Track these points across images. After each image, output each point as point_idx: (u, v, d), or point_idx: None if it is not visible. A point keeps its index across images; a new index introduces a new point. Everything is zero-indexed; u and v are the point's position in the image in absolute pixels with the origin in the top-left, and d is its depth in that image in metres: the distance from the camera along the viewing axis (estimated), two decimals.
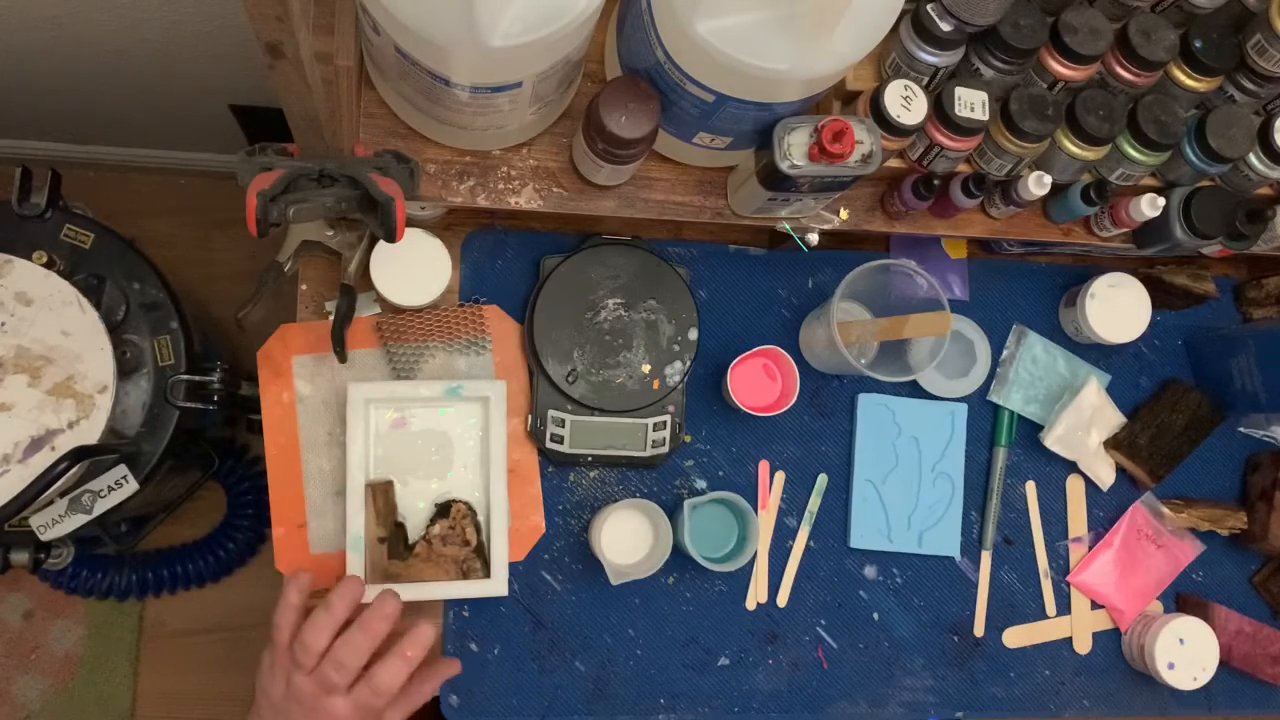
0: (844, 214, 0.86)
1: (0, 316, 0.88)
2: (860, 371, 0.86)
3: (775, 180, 0.73)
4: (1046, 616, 0.99)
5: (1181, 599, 1.01)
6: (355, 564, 0.82)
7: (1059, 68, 0.74)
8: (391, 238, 0.71)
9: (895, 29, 0.71)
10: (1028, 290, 1.02)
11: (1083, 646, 0.99)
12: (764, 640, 0.94)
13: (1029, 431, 1.00)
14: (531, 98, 0.70)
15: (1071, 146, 0.78)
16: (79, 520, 0.93)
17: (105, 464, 0.92)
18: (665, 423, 0.90)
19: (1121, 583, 0.99)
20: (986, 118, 0.74)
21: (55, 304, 0.89)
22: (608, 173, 0.77)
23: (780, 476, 0.96)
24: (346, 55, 0.66)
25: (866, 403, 0.97)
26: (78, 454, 0.85)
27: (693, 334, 0.91)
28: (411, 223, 0.86)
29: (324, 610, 0.71)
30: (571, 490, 0.92)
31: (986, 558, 0.98)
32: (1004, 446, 0.99)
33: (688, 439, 0.94)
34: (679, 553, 0.89)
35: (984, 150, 0.79)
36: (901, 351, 0.92)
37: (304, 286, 0.89)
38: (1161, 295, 1.00)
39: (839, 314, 0.86)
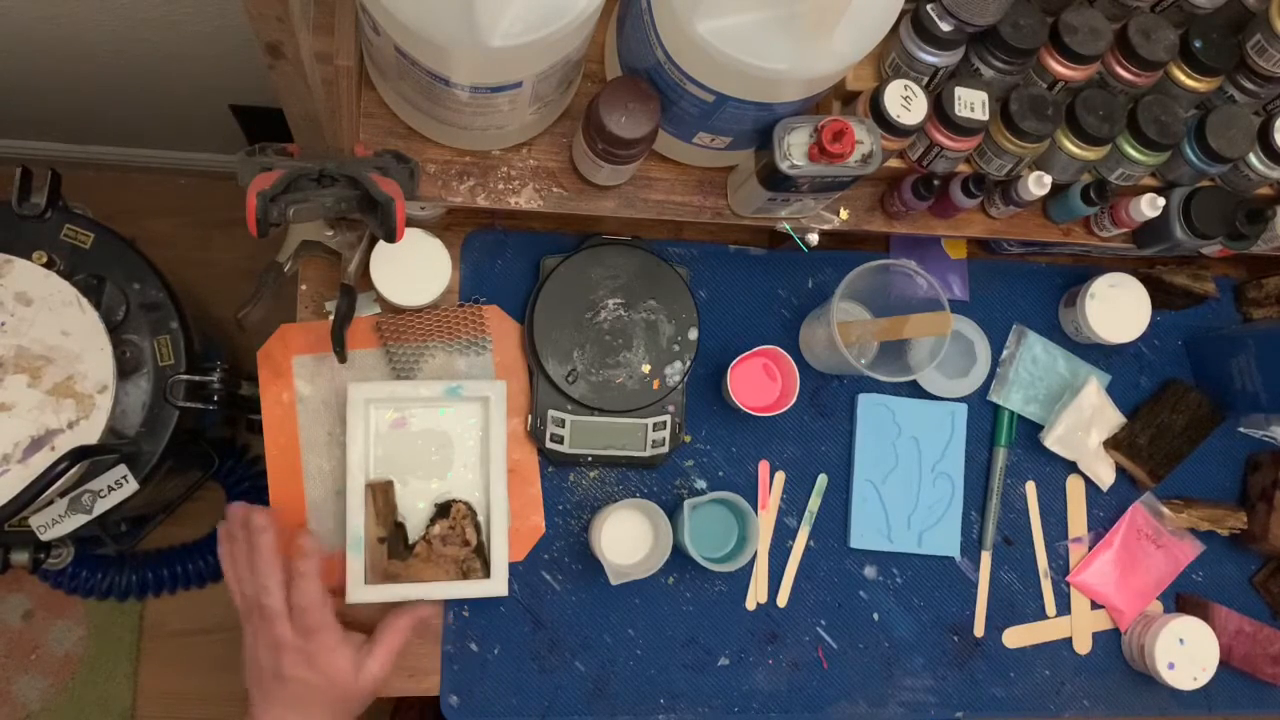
0: (844, 214, 0.86)
1: (0, 316, 0.88)
2: (860, 371, 0.86)
3: (775, 180, 0.73)
4: (1046, 616, 0.99)
5: (1181, 599, 1.01)
6: (355, 564, 0.82)
7: (1059, 68, 0.74)
8: (391, 238, 0.71)
9: (895, 29, 0.71)
10: (1028, 290, 1.02)
11: (1083, 646, 0.99)
12: (764, 640, 0.94)
13: (1029, 431, 1.00)
14: (531, 98, 0.70)
15: (1071, 146, 0.78)
16: (79, 520, 0.93)
17: (105, 464, 0.92)
18: (665, 423, 0.90)
19: (1121, 583, 0.99)
20: (986, 118, 0.74)
21: (55, 304, 0.90)
22: (608, 173, 0.77)
23: (780, 476, 0.96)
24: (346, 55, 0.66)
25: (866, 403, 0.97)
26: (78, 454, 0.85)
27: (693, 334, 0.91)
28: (411, 223, 0.86)
29: (229, 543, 0.78)
30: (571, 490, 0.92)
31: (986, 558, 0.98)
32: (1004, 446, 0.99)
33: (688, 439, 0.94)
34: (679, 553, 0.89)
35: (984, 150, 0.79)
36: (901, 351, 0.92)
37: (304, 286, 0.89)
38: (1161, 295, 1.00)
39: (839, 314, 0.86)
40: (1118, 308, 0.97)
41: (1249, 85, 0.78)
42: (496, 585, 0.84)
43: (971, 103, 0.73)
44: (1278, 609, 1.02)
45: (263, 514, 0.76)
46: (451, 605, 0.89)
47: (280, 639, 0.73)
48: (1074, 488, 1.01)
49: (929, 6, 0.69)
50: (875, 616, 0.96)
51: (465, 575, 0.85)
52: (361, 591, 0.82)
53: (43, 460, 0.87)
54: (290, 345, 0.87)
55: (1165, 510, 0.99)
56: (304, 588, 0.74)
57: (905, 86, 0.72)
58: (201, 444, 1.32)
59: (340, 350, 0.83)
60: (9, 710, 1.49)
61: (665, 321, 0.90)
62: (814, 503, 0.96)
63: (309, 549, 0.75)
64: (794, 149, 0.72)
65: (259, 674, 0.75)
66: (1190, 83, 0.77)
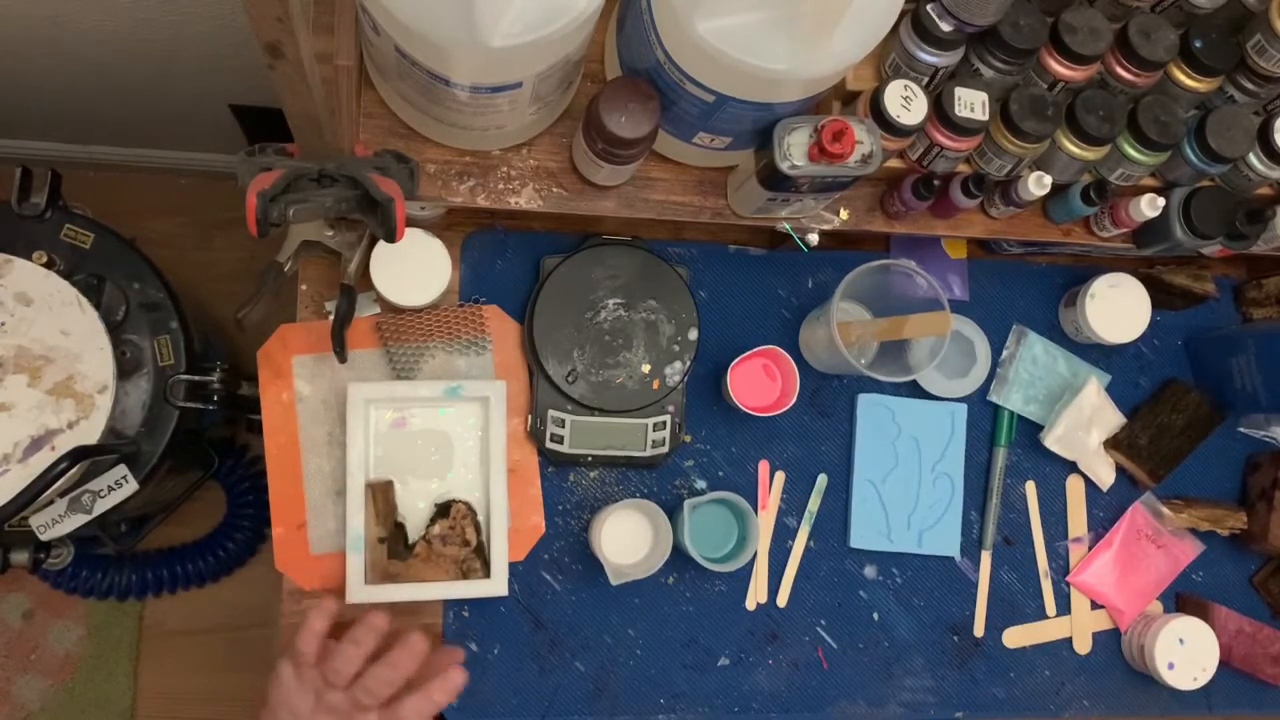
0: (844, 214, 0.86)
1: (0, 316, 0.88)
2: (860, 371, 0.86)
3: (775, 180, 0.73)
4: (1046, 616, 0.99)
5: (1181, 599, 1.01)
6: (355, 564, 0.82)
7: (1059, 68, 0.74)
8: (391, 238, 0.71)
9: (895, 29, 0.71)
10: (1028, 290, 1.02)
11: (1083, 646, 0.99)
12: (764, 640, 0.94)
13: (1029, 431, 1.00)
14: (531, 98, 0.70)
15: (1071, 146, 0.78)
16: (79, 520, 0.93)
17: (105, 464, 0.92)
18: (665, 423, 0.90)
19: (1121, 583, 0.99)
20: (986, 118, 0.74)
21: (55, 304, 0.90)
22: (608, 173, 0.77)
23: (780, 476, 0.96)
24: (346, 55, 0.66)
25: (866, 403, 0.97)
26: (77, 454, 0.85)
27: (693, 334, 0.91)
28: (411, 223, 0.86)
29: (353, 645, 0.72)
30: (571, 490, 0.92)
31: (986, 558, 0.98)
32: (1004, 446, 0.99)
33: (688, 439, 0.94)
34: (679, 553, 0.89)
35: (984, 150, 0.79)
36: (901, 351, 0.92)
37: (304, 286, 0.89)
38: (1161, 295, 1.00)
39: (839, 314, 0.86)
40: (1118, 308, 0.97)
41: (1249, 85, 0.78)
42: (496, 585, 0.84)
43: (971, 103, 0.73)
44: (1278, 609, 1.02)
45: (423, 644, 0.73)
46: (451, 605, 0.89)
47: None
48: (1074, 488, 1.01)
49: (929, 6, 0.69)
50: (875, 616, 0.96)
51: (465, 575, 0.85)
52: (361, 591, 0.82)
53: (43, 460, 0.87)
54: (290, 345, 0.87)
55: (1165, 510, 0.99)
56: (419, 712, 0.71)
57: (905, 86, 0.72)
58: (201, 444, 1.32)
59: (340, 350, 0.83)
60: (9, 710, 1.49)
61: (665, 321, 0.90)
62: (814, 503, 0.96)
63: (455, 687, 0.72)
64: (794, 149, 0.72)
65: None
66: (1190, 83, 0.77)
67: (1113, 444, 0.99)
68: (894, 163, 0.81)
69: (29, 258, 0.90)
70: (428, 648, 0.74)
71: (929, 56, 0.72)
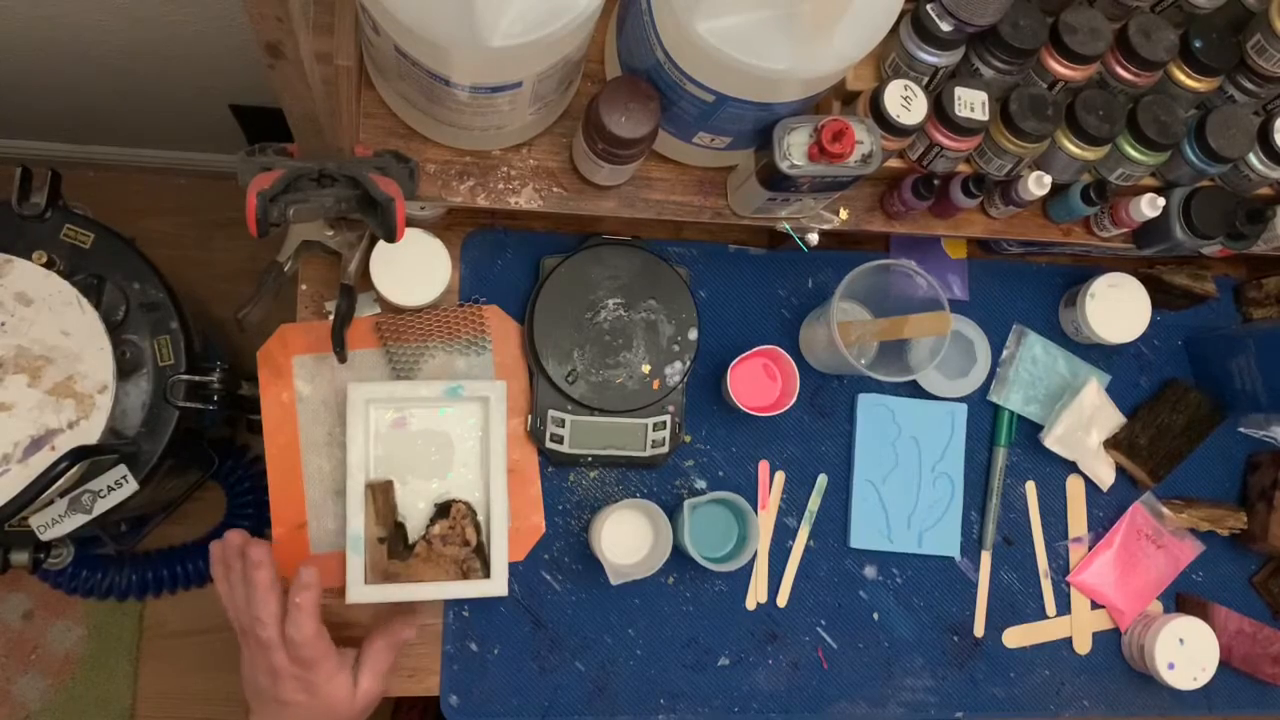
0: (844, 214, 0.86)
1: (0, 316, 0.88)
2: (860, 371, 0.86)
3: (775, 180, 0.73)
4: (1046, 616, 0.99)
5: (1181, 599, 1.01)
6: (355, 564, 0.82)
7: (1059, 68, 0.74)
8: (391, 238, 0.71)
9: (895, 29, 0.71)
10: (1028, 290, 1.02)
11: (1083, 646, 0.99)
12: (764, 640, 0.94)
13: (1029, 431, 1.00)
14: (531, 98, 0.70)
15: (1071, 146, 0.78)
16: (79, 520, 0.93)
17: (105, 464, 0.92)
18: (665, 423, 0.90)
19: (1121, 583, 0.99)
20: (986, 118, 0.74)
21: (55, 304, 0.89)
22: (608, 173, 0.77)
23: (780, 476, 0.96)
24: (346, 55, 0.66)
25: (866, 403, 0.97)
26: (78, 454, 0.85)
27: (693, 334, 0.91)
28: (411, 223, 0.86)
29: (223, 567, 0.77)
30: (571, 490, 0.92)
31: (986, 558, 0.98)
32: (1004, 446, 0.99)
33: (687, 439, 0.94)
34: (679, 553, 0.89)
35: (984, 150, 0.79)
36: (901, 351, 0.92)
37: (304, 286, 0.89)
38: (1161, 295, 1.00)
39: (839, 314, 0.86)
40: (1118, 308, 0.97)
41: (1249, 85, 0.78)
42: (496, 585, 0.84)
43: (971, 103, 0.73)
44: (1278, 609, 1.02)
45: (260, 548, 0.74)
46: (451, 605, 0.89)
47: (278, 668, 0.73)
48: (1074, 488, 1.01)
49: (929, 6, 0.69)
50: (875, 616, 0.96)
51: (465, 575, 0.85)
52: (361, 591, 0.82)
53: (43, 460, 0.87)
54: (290, 345, 0.87)
55: (1165, 510, 0.99)
56: (300, 621, 0.72)
57: (905, 86, 0.72)
58: (201, 444, 1.32)
59: (340, 350, 0.83)
60: (9, 710, 1.49)
61: (665, 321, 0.90)
62: (814, 503, 0.96)
63: (307, 582, 0.73)
64: (794, 149, 0.72)
65: (258, 693, 0.75)
66: (1190, 83, 0.77)
67: (1113, 444, 0.99)
68: (894, 163, 0.81)
69: (29, 258, 0.90)
70: (265, 550, 0.74)
71: (929, 56, 0.72)
